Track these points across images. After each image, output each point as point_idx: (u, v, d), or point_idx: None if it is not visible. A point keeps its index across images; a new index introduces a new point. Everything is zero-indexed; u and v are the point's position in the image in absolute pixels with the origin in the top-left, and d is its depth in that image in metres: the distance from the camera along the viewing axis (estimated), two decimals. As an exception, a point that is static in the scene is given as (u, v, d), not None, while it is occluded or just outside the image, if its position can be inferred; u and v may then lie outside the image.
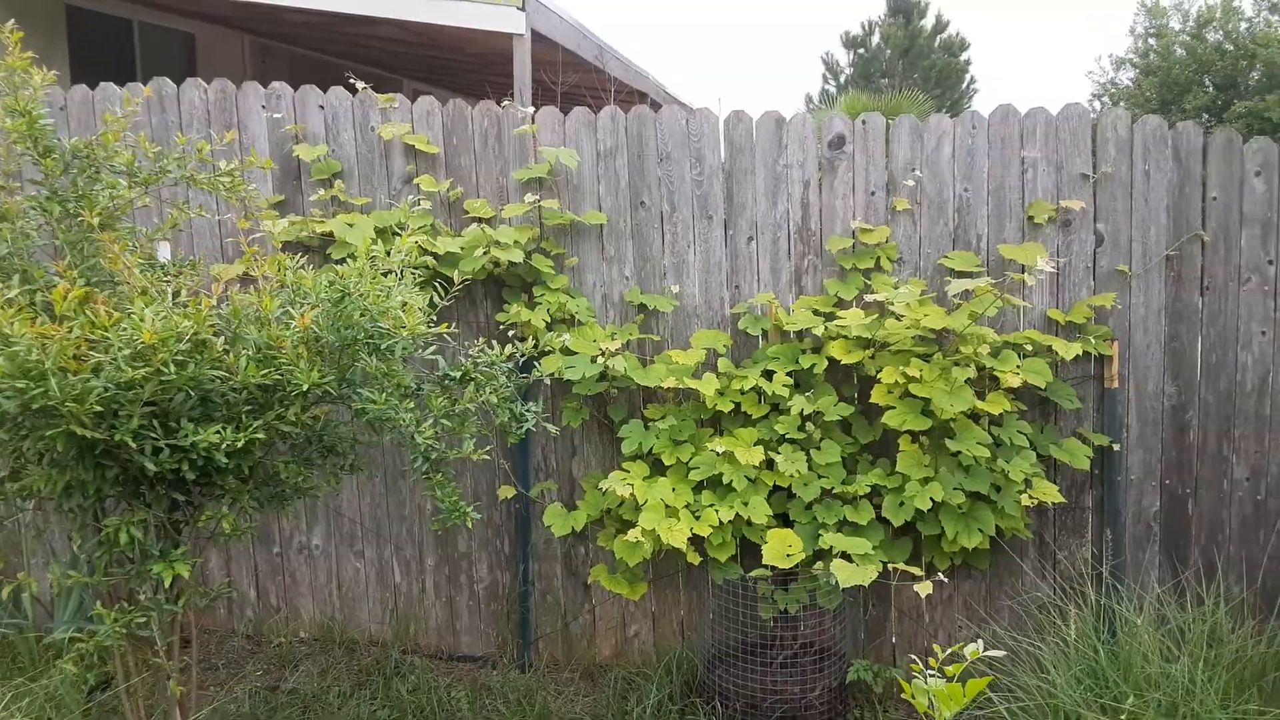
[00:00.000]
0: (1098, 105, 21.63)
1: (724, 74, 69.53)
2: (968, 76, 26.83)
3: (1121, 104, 20.37)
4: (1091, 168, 3.51)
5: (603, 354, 3.45)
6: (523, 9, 7.39)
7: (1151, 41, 21.13)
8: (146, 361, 2.11)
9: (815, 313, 3.54)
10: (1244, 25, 19.49)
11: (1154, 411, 3.57)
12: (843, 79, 27.05)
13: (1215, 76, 18.99)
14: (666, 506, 3.38)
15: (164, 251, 2.94)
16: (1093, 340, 3.46)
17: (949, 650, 1.77)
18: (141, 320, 2.11)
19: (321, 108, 3.84)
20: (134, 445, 2.16)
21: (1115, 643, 2.97)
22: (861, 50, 26.83)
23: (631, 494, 3.39)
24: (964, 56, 26.50)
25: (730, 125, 3.67)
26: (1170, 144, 3.49)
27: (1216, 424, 3.55)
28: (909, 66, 25.84)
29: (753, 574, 3.37)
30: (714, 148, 3.68)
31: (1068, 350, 3.36)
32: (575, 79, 8.51)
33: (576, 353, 3.48)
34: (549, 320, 3.58)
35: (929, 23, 26.33)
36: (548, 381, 3.68)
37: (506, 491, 3.78)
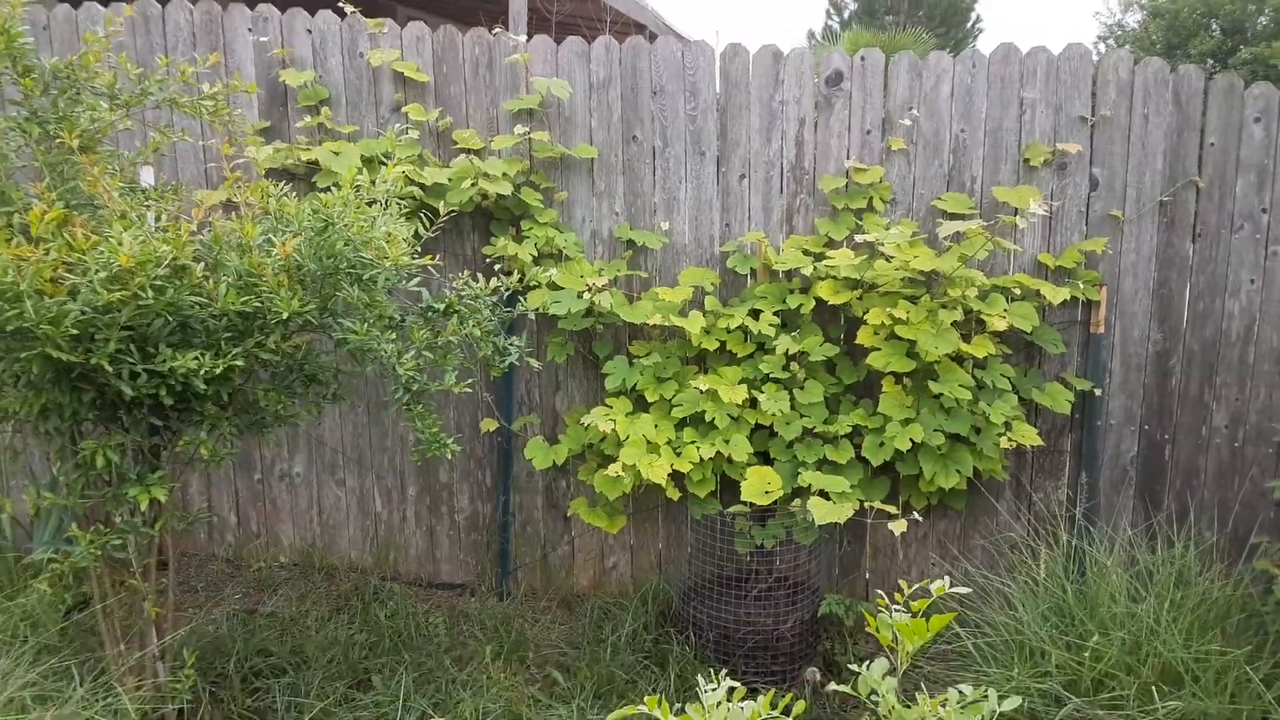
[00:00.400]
0: (1103, 47, 21.29)
1: (725, 6, 68.10)
2: (973, 15, 26.28)
3: (1126, 46, 20.05)
4: (1090, 110, 3.47)
5: (589, 290, 3.44)
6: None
7: (1162, -17, 20.71)
8: (124, 285, 2.10)
9: (805, 252, 3.53)
10: (1255, -31, 19.10)
11: (1138, 357, 3.58)
12: (847, 15, 26.52)
13: (1223, 21, 18.66)
14: (648, 442, 3.40)
15: (147, 176, 2.91)
16: (1081, 285, 3.45)
17: (915, 586, 1.80)
18: (119, 244, 2.10)
19: (309, 31, 3.76)
20: (111, 369, 2.16)
21: (1084, 583, 3.02)
22: (867, -15, 26.24)
23: (614, 429, 3.40)
24: (971, -6, 25.95)
25: (727, 59, 3.60)
26: (1171, 87, 3.44)
27: (1200, 371, 3.56)
28: (914, 4, 25.30)
29: (731, 510, 3.41)
30: (709, 82, 3.62)
31: (1056, 295, 3.36)
32: (570, 8, 8.32)
33: (563, 288, 3.47)
34: (536, 254, 3.56)
35: (936, -41, 25.72)
36: (533, 316, 3.67)
37: (489, 424, 3.80)
